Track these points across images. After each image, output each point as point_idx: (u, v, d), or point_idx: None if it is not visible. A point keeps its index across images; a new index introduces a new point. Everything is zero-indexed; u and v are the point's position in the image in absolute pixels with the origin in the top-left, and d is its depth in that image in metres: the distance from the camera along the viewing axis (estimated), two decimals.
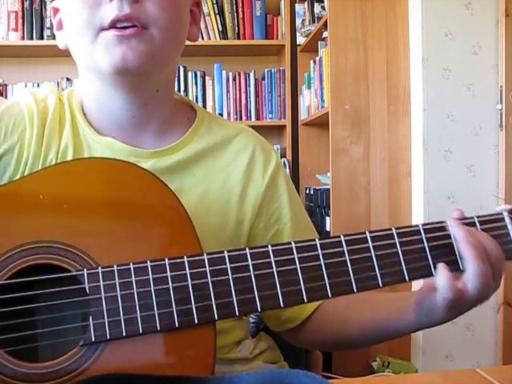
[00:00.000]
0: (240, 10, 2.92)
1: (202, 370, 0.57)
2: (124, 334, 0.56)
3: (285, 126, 2.95)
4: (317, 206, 2.56)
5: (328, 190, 2.36)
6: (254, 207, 0.79)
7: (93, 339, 0.55)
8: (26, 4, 2.83)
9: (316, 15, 2.69)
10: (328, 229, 2.34)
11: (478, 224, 0.65)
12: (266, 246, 0.60)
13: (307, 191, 2.78)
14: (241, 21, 2.92)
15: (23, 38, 2.83)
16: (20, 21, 2.82)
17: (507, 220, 0.66)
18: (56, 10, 0.77)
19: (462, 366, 2.09)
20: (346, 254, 0.61)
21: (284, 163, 2.91)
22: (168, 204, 0.62)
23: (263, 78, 3.01)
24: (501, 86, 2.04)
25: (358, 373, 2.17)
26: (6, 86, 2.90)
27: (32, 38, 2.83)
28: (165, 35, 0.69)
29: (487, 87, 2.09)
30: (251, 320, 1.17)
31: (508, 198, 2.01)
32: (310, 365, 1.57)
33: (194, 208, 0.74)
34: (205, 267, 0.58)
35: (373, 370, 2.19)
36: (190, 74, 2.93)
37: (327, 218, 2.38)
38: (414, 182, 2.20)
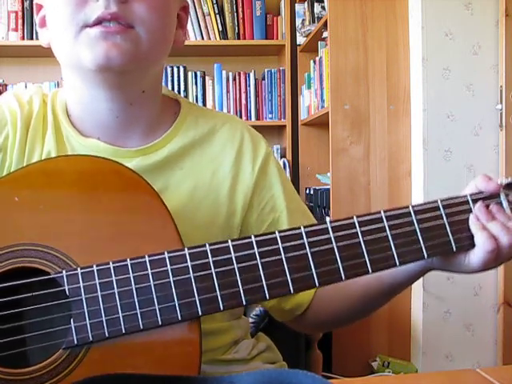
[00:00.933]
0: (240, 9, 2.92)
1: (188, 366, 0.56)
2: (107, 335, 0.55)
3: (285, 126, 2.95)
4: (317, 205, 2.56)
5: (328, 189, 2.35)
6: (244, 199, 0.78)
7: (75, 342, 0.55)
8: (26, 4, 2.82)
9: (316, 15, 2.69)
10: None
11: (470, 202, 0.64)
12: (249, 237, 0.59)
13: (307, 191, 2.78)
14: (241, 21, 2.92)
15: (23, 38, 2.83)
16: (20, 21, 2.82)
17: (502, 196, 0.65)
18: (39, 7, 0.76)
19: (462, 366, 2.09)
20: (333, 242, 0.59)
21: (284, 163, 2.91)
22: (147, 200, 0.61)
23: (263, 78, 3.01)
24: (501, 86, 2.04)
25: (358, 373, 2.17)
26: (6, 85, 2.90)
27: (32, 38, 2.82)
28: (151, 36, 0.69)
29: (487, 87, 2.08)
30: (250, 320, 1.17)
31: None
32: (310, 365, 1.57)
33: (183, 203, 0.73)
34: (186, 262, 0.57)
35: (373, 370, 2.19)
36: (189, 73, 2.93)
37: (327, 218, 2.38)
38: (413, 182, 2.20)
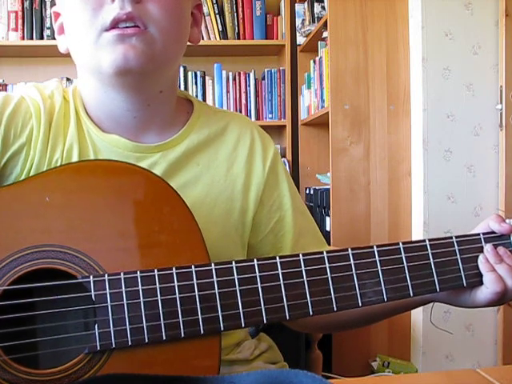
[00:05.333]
0: (240, 9, 2.92)
1: None
2: (129, 343, 0.55)
3: (285, 126, 2.95)
4: (317, 206, 2.56)
5: (328, 190, 2.35)
6: (256, 195, 0.80)
7: (98, 348, 0.55)
8: (26, 4, 2.82)
9: (316, 15, 2.68)
10: (328, 229, 2.34)
11: (483, 241, 0.67)
12: (274, 258, 0.60)
13: (307, 191, 2.78)
14: (241, 21, 2.92)
15: (23, 38, 2.83)
16: (20, 21, 2.82)
17: None
18: (57, 15, 0.77)
19: (462, 366, 2.09)
20: (353, 268, 0.61)
21: (284, 163, 2.91)
22: (176, 210, 0.61)
23: (263, 78, 3.01)
24: (501, 86, 2.04)
25: (358, 373, 2.17)
26: (6, 85, 2.90)
27: (32, 38, 2.83)
28: (166, 36, 0.70)
29: (487, 87, 2.08)
30: None
31: (508, 199, 2.01)
32: (310, 365, 1.57)
33: (201, 198, 0.75)
34: (212, 278, 0.58)
35: (373, 370, 2.19)
36: (189, 74, 2.93)
37: (327, 218, 2.38)
38: (414, 182, 2.20)
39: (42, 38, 2.83)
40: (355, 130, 2.24)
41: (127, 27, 0.67)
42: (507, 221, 0.68)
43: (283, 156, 2.98)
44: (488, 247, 0.66)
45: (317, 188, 2.60)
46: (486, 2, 2.07)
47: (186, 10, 0.75)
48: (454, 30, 2.08)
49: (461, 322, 2.10)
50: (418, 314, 2.14)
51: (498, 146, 2.08)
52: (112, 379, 0.54)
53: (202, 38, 2.85)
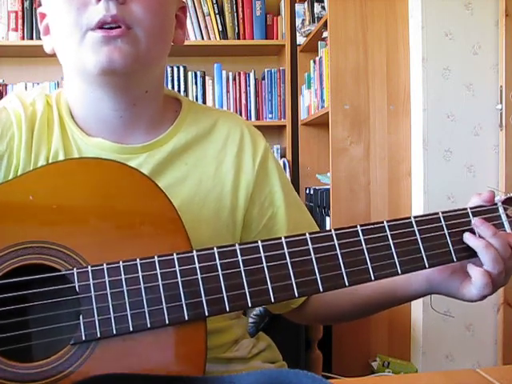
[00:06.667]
0: (240, 9, 2.92)
1: (193, 367, 0.57)
2: (114, 332, 0.56)
3: (285, 126, 2.95)
4: (317, 206, 2.56)
5: (328, 189, 2.36)
6: (246, 193, 0.80)
7: (83, 338, 0.56)
8: (26, 4, 2.83)
9: (316, 15, 2.69)
10: (328, 229, 2.34)
11: (470, 215, 0.66)
12: (256, 242, 0.60)
13: (307, 191, 2.78)
14: (241, 21, 2.92)
15: (23, 38, 2.83)
16: (20, 21, 2.82)
17: (501, 210, 0.67)
18: (43, 16, 0.78)
19: (462, 366, 2.09)
20: (337, 248, 0.61)
21: (284, 163, 2.91)
22: (157, 202, 0.62)
23: (263, 78, 3.01)
24: (501, 86, 2.04)
25: (358, 373, 2.17)
26: (6, 85, 2.90)
27: (32, 38, 2.83)
28: (150, 37, 0.70)
29: (487, 87, 2.09)
30: (250, 320, 1.17)
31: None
32: (310, 365, 1.57)
33: (190, 197, 0.75)
34: (194, 264, 0.59)
35: (373, 370, 2.19)
36: (189, 74, 2.93)
37: (327, 218, 2.38)
38: (413, 181, 2.20)
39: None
40: (355, 130, 2.24)
41: (112, 28, 0.68)
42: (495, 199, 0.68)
43: (283, 156, 2.98)
44: (475, 220, 0.65)
45: (317, 188, 2.60)
46: (485, 2, 2.07)
47: (170, 11, 0.76)
48: (453, 30, 2.08)
49: (461, 321, 2.10)
50: (418, 314, 2.14)
51: (498, 146, 2.08)
52: (112, 379, 0.54)
53: (202, 38, 2.85)
